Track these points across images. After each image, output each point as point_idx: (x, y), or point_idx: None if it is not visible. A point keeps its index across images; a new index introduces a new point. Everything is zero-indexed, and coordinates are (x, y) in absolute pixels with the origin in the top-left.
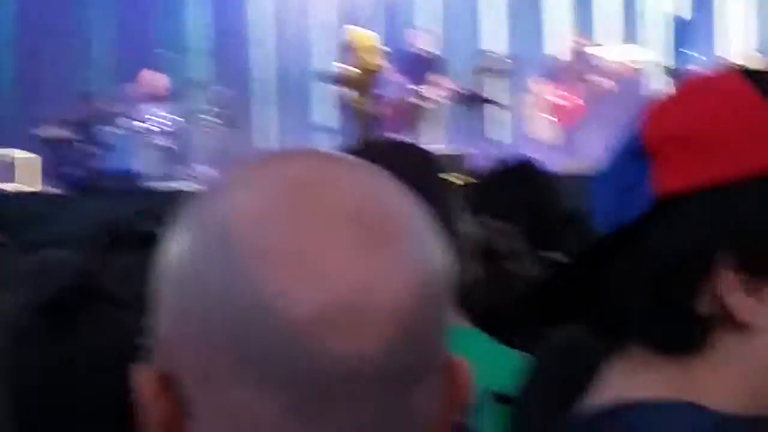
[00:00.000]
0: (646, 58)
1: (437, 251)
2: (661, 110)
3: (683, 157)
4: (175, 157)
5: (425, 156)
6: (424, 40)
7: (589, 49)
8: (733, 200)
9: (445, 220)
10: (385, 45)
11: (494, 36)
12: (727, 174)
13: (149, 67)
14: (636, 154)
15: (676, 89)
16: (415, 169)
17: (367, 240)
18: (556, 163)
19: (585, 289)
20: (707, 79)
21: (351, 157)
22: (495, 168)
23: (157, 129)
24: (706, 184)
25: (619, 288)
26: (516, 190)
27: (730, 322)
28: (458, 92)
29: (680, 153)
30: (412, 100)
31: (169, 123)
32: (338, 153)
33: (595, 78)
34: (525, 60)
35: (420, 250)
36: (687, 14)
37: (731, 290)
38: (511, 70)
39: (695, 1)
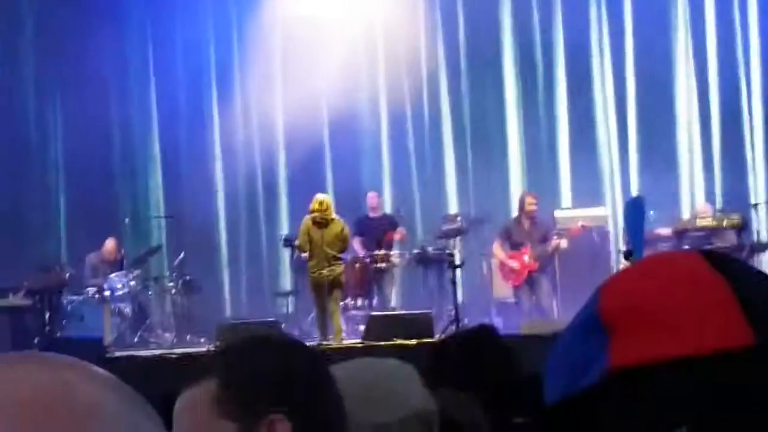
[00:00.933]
0: (599, 215)
1: None
2: (617, 284)
3: (640, 332)
4: (136, 323)
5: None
6: (377, 201)
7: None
8: (689, 377)
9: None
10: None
11: (456, 196)
12: (683, 351)
13: (112, 235)
14: (592, 326)
15: (635, 264)
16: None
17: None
18: (513, 322)
19: None
20: (665, 256)
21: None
22: (453, 334)
23: (121, 296)
24: (663, 359)
25: None
26: (475, 355)
27: None
28: (422, 253)
29: (635, 329)
30: (373, 262)
31: (132, 290)
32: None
33: (545, 237)
34: (484, 220)
35: None
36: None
37: None
38: (470, 231)
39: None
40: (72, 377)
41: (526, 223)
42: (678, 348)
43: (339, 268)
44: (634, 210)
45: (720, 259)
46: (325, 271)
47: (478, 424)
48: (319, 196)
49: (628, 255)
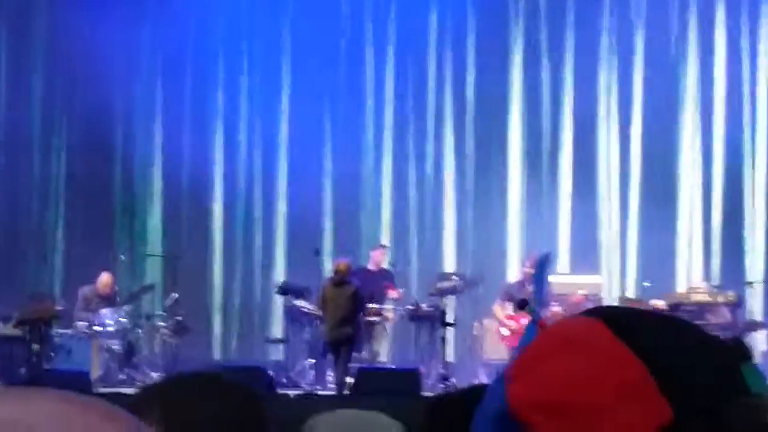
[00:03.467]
0: (593, 282)
1: None
2: (524, 372)
3: (555, 428)
4: (125, 360)
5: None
6: (383, 257)
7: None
8: None
9: None
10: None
11: (454, 254)
12: None
13: (107, 270)
14: (506, 419)
15: (538, 341)
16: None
17: None
18: None
19: None
20: (569, 331)
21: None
22: (447, 393)
23: (111, 332)
24: None
25: None
26: (467, 416)
27: None
28: (415, 309)
29: (551, 423)
30: (366, 315)
31: (123, 327)
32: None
33: (548, 303)
34: (479, 281)
35: None
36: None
37: None
38: (464, 291)
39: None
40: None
41: (529, 287)
42: None
43: (348, 329)
44: (542, 265)
45: (623, 323)
46: (334, 331)
47: None
48: (340, 261)
49: (522, 305)
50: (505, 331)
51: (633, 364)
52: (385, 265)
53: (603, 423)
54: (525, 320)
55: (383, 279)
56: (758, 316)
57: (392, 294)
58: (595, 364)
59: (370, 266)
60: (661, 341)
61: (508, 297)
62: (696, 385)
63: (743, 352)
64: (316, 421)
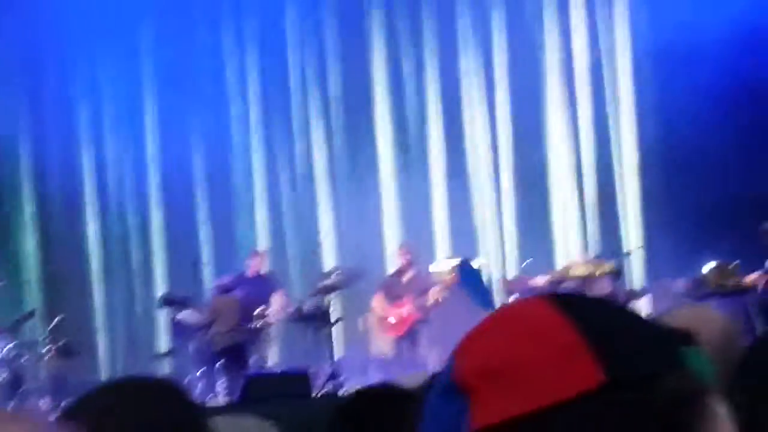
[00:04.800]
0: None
1: None
2: (469, 344)
3: (493, 392)
4: (11, 390)
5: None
6: (261, 263)
7: (415, 264)
8: (542, 429)
9: None
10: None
11: (332, 252)
12: (534, 405)
13: None
14: (451, 390)
15: (485, 319)
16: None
17: None
18: (392, 377)
19: None
20: (513, 307)
21: None
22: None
23: None
24: (517, 415)
25: None
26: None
27: None
28: (298, 311)
29: (491, 388)
30: (254, 322)
31: (7, 357)
32: None
33: (425, 290)
34: (360, 276)
35: None
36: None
37: None
38: (349, 287)
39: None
40: None
41: (406, 277)
42: (532, 401)
43: (237, 337)
44: (464, 273)
45: (565, 300)
46: (223, 340)
47: None
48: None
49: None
50: (391, 320)
51: (569, 330)
52: (263, 271)
53: (534, 381)
54: (405, 309)
55: (264, 285)
56: (638, 285)
57: (276, 298)
58: (532, 332)
59: (249, 274)
60: (600, 314)
61: (387, 290)
62: (631, 354)
63: (686, 337)
64: None
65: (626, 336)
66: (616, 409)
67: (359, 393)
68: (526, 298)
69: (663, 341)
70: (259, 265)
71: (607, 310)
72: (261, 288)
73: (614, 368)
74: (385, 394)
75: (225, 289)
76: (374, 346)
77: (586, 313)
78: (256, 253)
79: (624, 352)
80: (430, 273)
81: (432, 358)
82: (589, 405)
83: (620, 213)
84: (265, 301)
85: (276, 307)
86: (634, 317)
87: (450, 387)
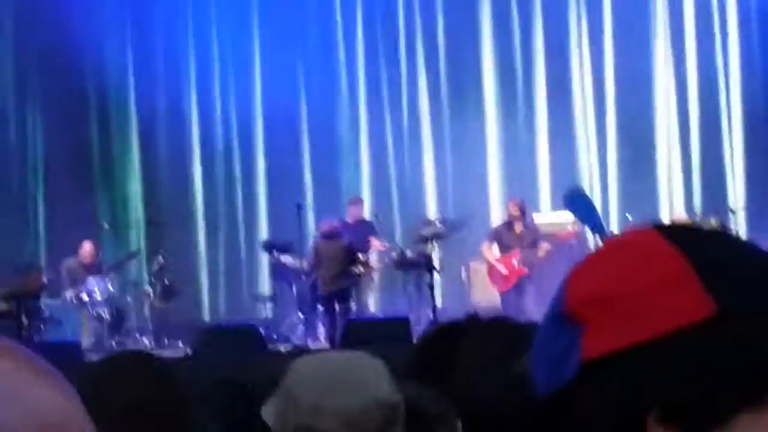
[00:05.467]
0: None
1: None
2: (580, 274)
3: (605, 321)
4: (115, 328)
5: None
6: (360, 210)
7: (527, 214)
8: (653, 359)
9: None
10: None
11: (436, 200)
12: (646, 334)
13: (88, 240)
14: (562, 320)
15: (595, 251)
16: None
17: None
18: None
19: None
20: (622, 237)
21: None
22: (429, 330)
23: (99, 301)
24: (628, 345)
25: None
26: (449, 350)
27: None
28: (401, 257)
29: (601, 318)
30: (355, 268)
31: (110, 295)
32: None
33: (534, 242)
34: (463, 225)
35: None
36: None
37: None
38: (452, 236)
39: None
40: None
41: (517, 227)
42: (643, 332)
43: (344, 282)
44: (572, 201)
45: (676, 231)
46: (330, 285)
47: (447, 416)
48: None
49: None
50: (502, 270)
51: (679, 259)
52: (364, 217)
53: (645, 310)
54: (515, 260)
55: (364, 231)
56: None
57: (375, 245)
58: (642, 259)
59: (349, 220)
60: (712, 244)
61: (497, 239)
62: (741, 284)
63: None
64: (298, 363)
65: (738, 267)
66: (727, 340)
67: (442, 326)
68: (635, 228)
69: None
70: (359, 212)
71: (719, 240)
72: (361, 234)
73: (725, 299)
74: (468, 325)
75: (329, 235)
76: (475, 295)
77: (698, 243)
78: (356, 200)
79: (735, 284)
80: (538, 226)
81: (536, 313)
82: (700, 336)
83: (726, 170)
84: (365, 247)
85: (375, 253)
86: (748, 248)
87: (560, 317)
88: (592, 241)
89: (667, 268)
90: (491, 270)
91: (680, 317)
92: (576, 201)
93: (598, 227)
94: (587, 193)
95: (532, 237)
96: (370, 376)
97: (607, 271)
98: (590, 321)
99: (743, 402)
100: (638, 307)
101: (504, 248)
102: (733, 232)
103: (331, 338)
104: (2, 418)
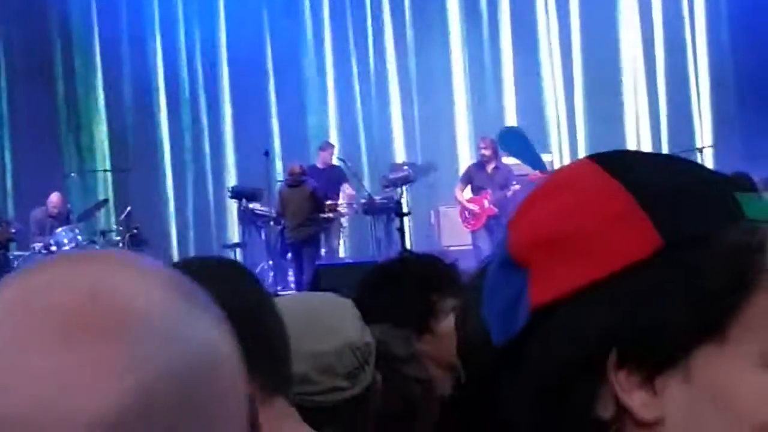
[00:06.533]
0: (546, 161)
1: (191, 355)
2: (523, 215)
3: (552, 263)
4: None
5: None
6: (331, 155)
7: (498, 154)
8: (606, 299)
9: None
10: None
11: (404, 144)
12: (595, 274)
13: (56, 190)
14: (508, 265)
15: (534, 189)
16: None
17: (71, 337)
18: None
19: (483, 408)
20: (563, 172)
21: (120, 257)
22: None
23: (67, 250)
24: (578, 287)
25: (513, 406)
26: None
27: (633, 421)
28: (369, 202)
29: (548, 258)
30: (324, 214)
31: (79, 244)
32: (116, 255)
33: (506, 182)
34: (430, 169)
35: (158, 350)
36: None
37: (625, 390)
38: (420, 180)
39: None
40: (130, 280)
41: (489, 168)
42: (591, 271)
43: (310, 229)
44: (508, 140)
45: (616, 162)
46: (295, 232)
47: (415, 358)
48: (293, 165)
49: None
50: (473, 208)
51: (621, 194)
52: (334, 162)
53: (592, 250)
54: (485, 201)
55: (334, 176)
56: None
57: (345, 189)
58: (585, 197)
59: (319, 165)
60: (651, 173)
61: (468, 180)
62: (686, 212)
63: (742, 183)
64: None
65: (679, 193)
66: (677, 272)
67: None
68: (574, 162)
69: (718, 192)
70: (329, 157)
71: (658, 165)
72: (330, 179)
73: (671, 231)
74: (428, 261)
75: (294, 183)
76: (444, 239)
77: (637, 173)
78: (326, 145)
79: (678, 212)
80: (509, 166)
81: None
82: (650, 270)
83: (693, 111)
84: (335, 192)
85: (344, 198)
86: (687, 168)
87: (507, 261)
88: None
89: (611, 204)
90: (463, 210)
91: (629, 253)
92: (510, 138)
93: (536, 163)
94: (549, 136)
95: (504, 177)
96: (341, 318)
97: (551, 210)
98: (537, 264)
99: (701, 333)
100: (586, 247)
101: (476, 189)
102: None
103: (298, 284)
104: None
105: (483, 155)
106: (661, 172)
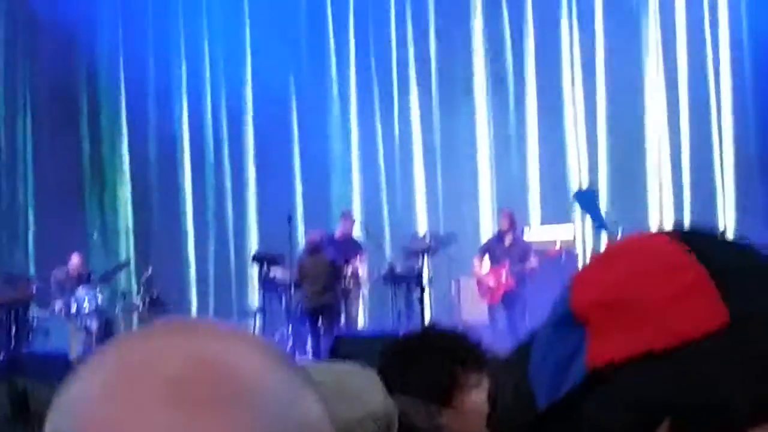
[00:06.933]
0: (568, 238)
1: (305, 427)
2: (589, 275)
3: (614, 325)
4: (103, 339)
5: None
6: (350, 226)
7: (517, 226)
8: (666, 368)
9: None
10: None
11: (426, 215)
12: (659, 343)
13: (77, 252)
14: (567, 322)
15: (603, 252)
16: None
17: (183, 404)
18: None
19: None
20: (632, 241)
21: (213, 327)
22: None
23: (88, 311)
24: (639, 353)
25: None
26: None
27: None
28: (390, 272)
29: (611, 321)
30: (344, 283)
31: (99, 306)
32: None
33: (524, 255)
34: (452, 240)
35: (274, 421)
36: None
37: None
38: (442, 251)
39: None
40: (234, 348)
41: (507, 240)
42: (654, 339)
43: (328, 297)
44: (584, 197)
45: (690, 237)
46: (314, 300)
47: (440, 429)
48: (313, 233)
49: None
50: (490, 282)
51: (692, 266)
52: (352, 234)
53: (658, 319)
54: (503, 273)
55: (351, 247)
56: None
57: (358, 261)
58: (654, 265)
59: (337, 234)
60: (724, 250)
61: (487, 251)
62: (756, 292)
63: None
64: None
65: (751, 272)
66: (741, 350)
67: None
68: (645, 232)
69: None
70: (348, 228)
71: (730, 246)
72: (347, 250)
73: (739, 309)
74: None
75: (312, 250)
76: (465, 311)
77: (710, 248)
78: (346, 216)
79: (749, 291)
80: (528, 239)
81: (525, 327)
82: (714, 346)
83: (717, 190)
84: (350, 263)
85: (360, 269)
86: (758, 253)
87: (565, 318)
88: (581, 257)
89: (682, 275)
90: (480, 283)
91: (695, 326)
92: (585, 196)
93: (603, 224)
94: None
95: (522, 250)
96: (365, 388)
97: (618, 274)
98: (599, 324)
99: (756, 414)
100: (651, 314)
101: (494, 261)
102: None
103: (315, 352)
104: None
105: (501, 228)
106: (734, 252)
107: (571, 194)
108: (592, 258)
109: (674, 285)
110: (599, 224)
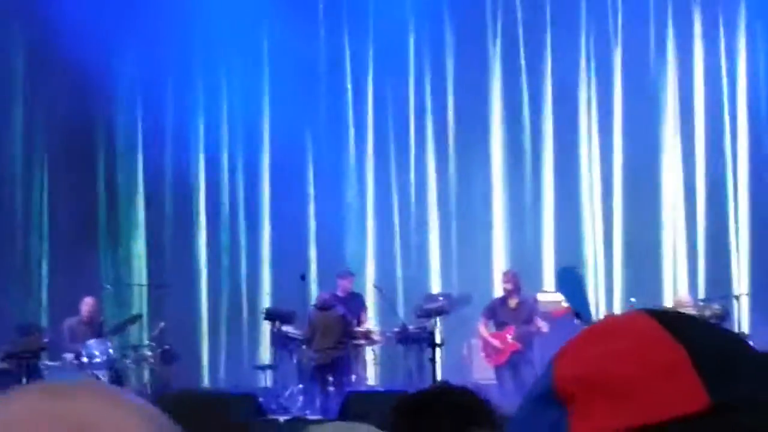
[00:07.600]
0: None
1: None
2: (571, 352)
3: (595, 402)
4: None
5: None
6: (351, 284)
7: (521, 288)
8: None
9: None
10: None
11: (440, 275)
12: (637, 420)
13: (90, 295)
14: (549, 398)
15: (587, 330)
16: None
17: None
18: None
19: None
20: (616, 319)
21: (103, 391)
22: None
23: (99, 363)
24: (619, 429)
25: None
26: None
27: None
28: (403, 331)
29: (593, 399)
30: (355, 340)
31: (110, 357)
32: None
33: (529, 317)
34: (466, 301)
35: None
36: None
37: None
38: (451, 311)
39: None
40: (103, 412)
41: (512, 303)
42: (635, 417)
43: (338, 353)
44: (564, 279)
45: (671, 319)
46: (324, 356)
47: None
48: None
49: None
50: (496, 345)
51: (673, 347)
52: (353, 290)
53: (638, 398)
54: (509, 336)
55: (354, 304)
56: (745, 329)
57: (363, 320)
58: (636, 344)
59: (339, 293)
60: (705, 334)
61: (492, 314)
62: (737, 377)
63: None
64: (311, 430)
65: (731, 358)
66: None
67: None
68: (628, 312)
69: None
70: (348, 286)
71: (712, 330)
72: (350, 307)
73: (719, 391)
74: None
75: (324, 306)
76: (477, 372)
77: (692, 331)
78: (345, 273)
79: (729, 375)
80: (536, 301)
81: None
82: (693, 428)
83: (732, 255)
84: (357, 319)
85: (368, 323)
86: (740, 340)
87: (548, 394)
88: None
89: (664, 356)
90: (485, 345)
91: (675, 407)
92: (567, 279)
93: (582, 310)
94: (585, 275)
95: (528, 312)
96: None
97: (601, 352)
98: (580, 401)
99: None
100: (632, 393)
101: (499, 324)
102: (736, 318)
103: (323, 408)
104: None
105: (506, 289)
106: (715, 335)
107: (584, 263)
108: (576, 335)
109: (653, 365)
110: (578, 310)
